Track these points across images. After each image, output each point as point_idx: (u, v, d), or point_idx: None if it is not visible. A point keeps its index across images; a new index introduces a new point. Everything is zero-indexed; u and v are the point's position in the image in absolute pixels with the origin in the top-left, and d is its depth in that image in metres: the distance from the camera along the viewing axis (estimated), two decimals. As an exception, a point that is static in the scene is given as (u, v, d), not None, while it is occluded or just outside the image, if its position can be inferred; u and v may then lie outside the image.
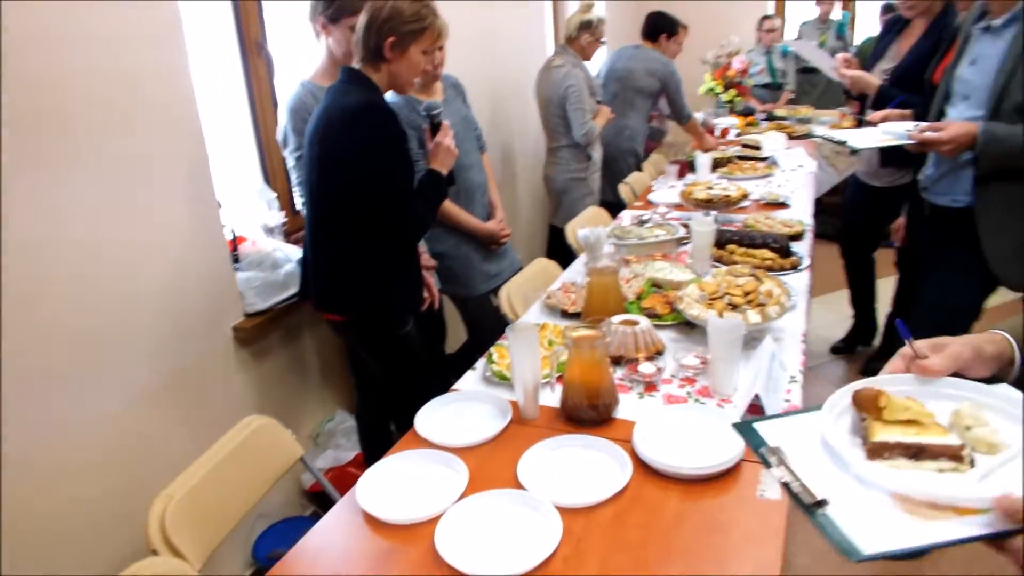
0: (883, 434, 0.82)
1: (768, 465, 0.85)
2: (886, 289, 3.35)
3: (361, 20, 1.90)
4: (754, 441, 0.89)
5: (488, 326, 2.68)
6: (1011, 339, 0.90)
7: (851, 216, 3.43)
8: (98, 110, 1.70)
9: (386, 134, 1.87)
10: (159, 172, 1.88)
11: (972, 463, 0.80)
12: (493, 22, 3.80)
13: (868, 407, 0.86)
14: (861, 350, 3.61)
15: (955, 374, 0.91)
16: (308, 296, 2.08)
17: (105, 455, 1.76)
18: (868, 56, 3.18)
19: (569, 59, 3.55)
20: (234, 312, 2.12)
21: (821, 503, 0.76)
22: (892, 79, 2.87)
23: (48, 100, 1.57)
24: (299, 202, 2.37)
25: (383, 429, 2.36)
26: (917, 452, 0.81)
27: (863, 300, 3.57)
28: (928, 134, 1.95)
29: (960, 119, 1.99)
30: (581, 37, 3.57)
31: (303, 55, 2.58)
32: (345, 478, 2.21)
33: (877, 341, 3.54)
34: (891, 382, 0.91)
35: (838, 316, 3.78)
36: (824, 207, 2.97)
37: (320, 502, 2.29)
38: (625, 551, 1.08)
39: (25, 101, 1.52)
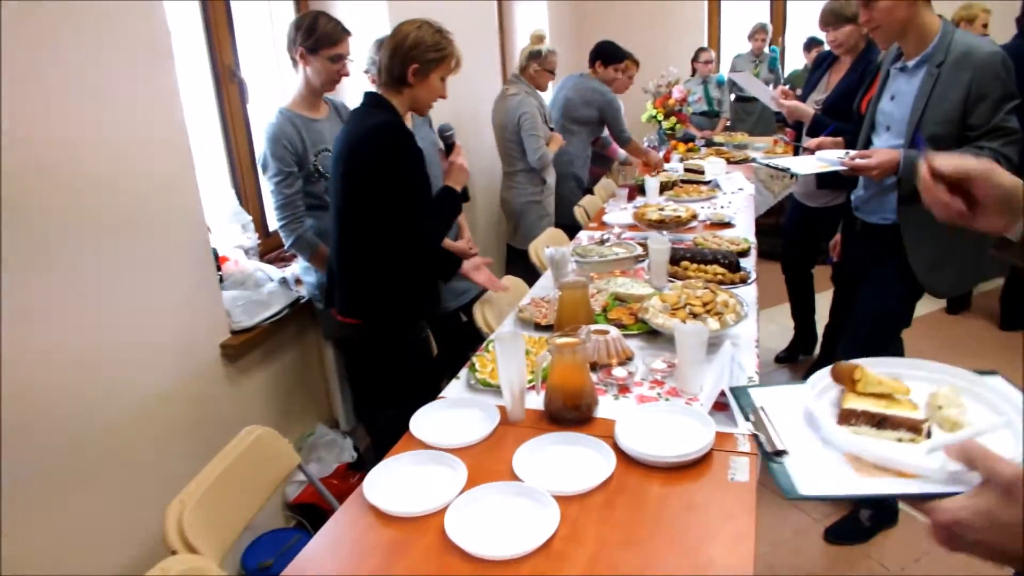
0: (852, 403, 0.95)
1: (747, 419, 0.98)
2: (824, 303, 3.56)
3: (384, 48, 2.03)
4: (743, 401, 1.02)
5: (457, 340, 2.80)
6: None
7: (791, 235, 3.66)
8: (102, 144, 1.78)
9: (404, 151, 1.99)
10: (157, 193, 1.96)
11: (928, 436, 0.90)
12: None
13: (844, 379, 1.00)
14: (803, 359, 3.83)
15: (964, 191, 0.90)
16: (332, 303, 2.20)
17: (107, 465, 1.81)
18: (801, 86, 3.45)
19: (522, 88, 3.72)
20: (221, 329, 2.19)
21: (780, 452, 0.89)
22: (824, 109, 3.14)
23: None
24: (273, 224, 2.45)
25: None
26: (880, 421, 0.93)
27: (803, 313, 3.80)
28: (858, 161, 2.18)
29: (884, 147, 2.22)
30: (530, 67, 3.74)
31: (278, 82, 2.68)
32: (329, 489, 2.27)
33: (817, 350, 3.77)
34: (884, 364, 1.02)
35: (780, 328, 4.02)
36: (760, 227, 3.19)
37: (304, 513, 2.34)
38: (617, 529, 1.21)
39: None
